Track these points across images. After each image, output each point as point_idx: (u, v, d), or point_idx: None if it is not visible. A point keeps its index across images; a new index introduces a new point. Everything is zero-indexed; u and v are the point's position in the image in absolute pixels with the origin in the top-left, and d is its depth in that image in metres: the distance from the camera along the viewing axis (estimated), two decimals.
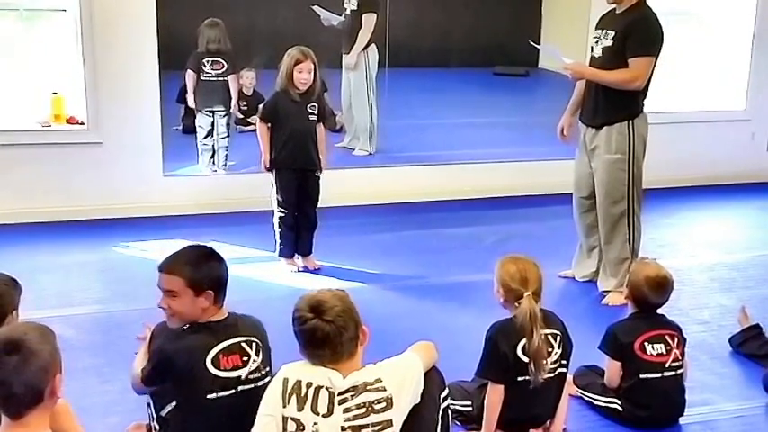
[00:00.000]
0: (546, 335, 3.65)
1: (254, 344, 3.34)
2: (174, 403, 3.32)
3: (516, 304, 3.64)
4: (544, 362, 3.61)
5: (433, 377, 3.24)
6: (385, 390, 2.97)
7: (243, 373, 3.29)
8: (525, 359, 3.61)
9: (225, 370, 3.26)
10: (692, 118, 8.35)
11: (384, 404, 2.96)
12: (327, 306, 2.96)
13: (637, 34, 5.14)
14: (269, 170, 5.70)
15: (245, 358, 3.30)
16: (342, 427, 2.93)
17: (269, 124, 5.66)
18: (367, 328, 3.06)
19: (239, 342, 3.31)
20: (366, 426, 2.94)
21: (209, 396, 3.25)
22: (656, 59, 5.20)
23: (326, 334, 2.93)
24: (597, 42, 5.30)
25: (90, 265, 5.89)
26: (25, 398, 2.34)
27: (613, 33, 5.18)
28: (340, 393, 2.93)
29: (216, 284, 3.32)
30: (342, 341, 2.95)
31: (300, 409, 2.94)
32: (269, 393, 3.02)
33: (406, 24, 9.93)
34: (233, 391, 3.27)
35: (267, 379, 3.30)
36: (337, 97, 8.37)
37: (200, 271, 3.31)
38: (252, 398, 3.25)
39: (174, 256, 3.39)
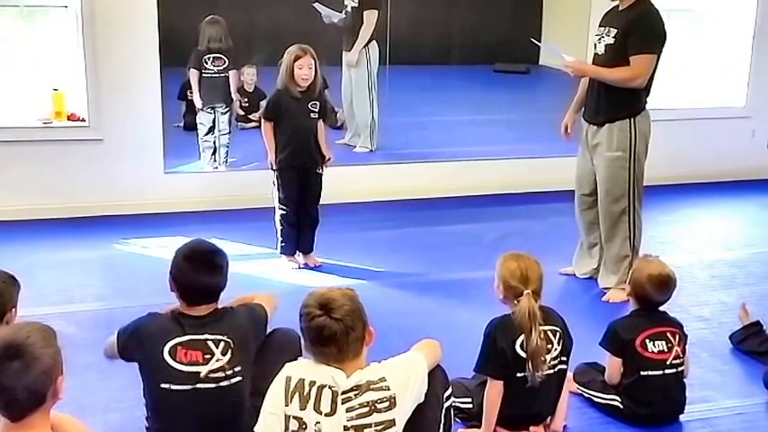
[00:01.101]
0: (545, 331, 3.65)
1: (222, 343, 3.29)
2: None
3: (515, 301, 3.65)
4: (543, 359, 3.62)
5: (437, 375, 3.24)
6: (388, 389, 2.95)
7: (202, 370, 3.26)
8: (524, 355, 3.61)
9: (181, 363, 3.25)
10: (693, 115, 8.36)
11: (387, 404, 2.94)
12: (337, 304, 2.93)
13: (639, 31, 5.13)
14: (275, 169, 5.71)
15: (208, 356, 3.27)
16: (344, 426, 2.90)
17: (272, 122, 5.66)
18: (373, 329, 3.04)
19: (205, 339, 3.29)
20: (369, 425, 2.92)
21: (162, 385, 3.26)
22: (659, 57, 5.20)
23: (334, 333, 2.90)
24: (600, 39, 5.29)
25: (91, 262, 5.89)
26: (28, 402, 2.34)
27: (616, 30, 5.17)
28: (343, 392, 2.91)
29: (180, 284, 3.34)
30: (348, 340, 2.92)
31: (303, 408, 2.91)
32: (272, 392, 3.00)
33: (406, 21, 9.93)
34: (189, 387, 3.26)
35: (235, 380, 3.30)
36: (338, 94, 8.38)
37: (173, 263, 3.37)
38: (211, 398, 3.27)
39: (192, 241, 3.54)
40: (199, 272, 3.34)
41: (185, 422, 3.31)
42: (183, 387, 3.25)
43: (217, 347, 3.29)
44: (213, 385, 3.27)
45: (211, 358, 3.27)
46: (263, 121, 5.76)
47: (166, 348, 3.25)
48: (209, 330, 3.30)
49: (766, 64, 8.46)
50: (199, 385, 3.26)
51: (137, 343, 3.33)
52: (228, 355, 3.30)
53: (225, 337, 3.31)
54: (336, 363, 2.95)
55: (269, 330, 3.63)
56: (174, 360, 3.25)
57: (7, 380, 2.31)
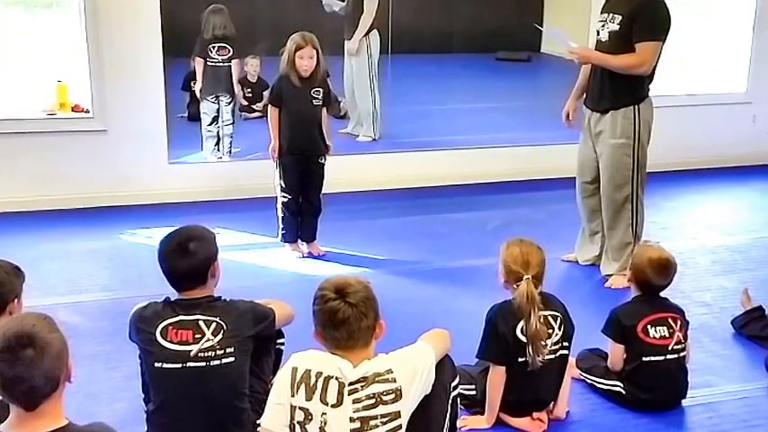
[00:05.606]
0: (545, 316, 3.68)
1: (214, 324, 3.35)
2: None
3: (515, 286, 3.68)
4: (543, 343, 3.64)
5: (445, 365, 3.26)
6: (395, 381, 2.94)
7: (193, 349, 3.31)
8: (524, 340, 3.64)
9: (172, 342, 3.31)
10: (694, 101, 8.35)
11: (393, 395, 2.94)
12: (352, 290, 2.95)
13: (644, 18, 5.11)
14: (277, 156, 5.72)
15: (198, 336, 3.33)
16: (350, 417, 2.90)
17: (279, 108, 5.67)
18: (385, 323, 3.04)
19: (196, 319, 3.35)
20: (374, 417, 2.91)
21: (156, 364, 3.33)
22: (664, 44, 5.18)
23: (347, 317, 2.91)
24: (603, 26, 5.26)
25: (96, 253, 5.91)
26: (45, 389, 2.36)
27: (620, 17, 5.15)
28: (350, 384, 2.90)
29: (162, 270, 3.42)
30: (360, 326, 2.93)
31: (309, 398, 2.91)
32: (278, 382, 3.01)
33: (408, 10, 9.93)
34: (180, 365, 3.31)
35: (226, 360, 3.34)
36: (340, 83, 8.39)
37: (157, 247, 3.47)
38: (202, 377, 3.32)
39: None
40: (174, 257, 3.40)
41: (178, 401, 3.37)
42: (174, 365, 3.32)
43: (208, 328, 3.34)
44: (203, 364, 3.32)
45: (202, 338, 3.33)
46: (269, 107, 5.76)
47: (158, 329, 3.33)
48: (201, 312, 3.37)
49: (767, 49, 8.46)
50: (189, 363, 3.31)
51: (134, 328, 3.42)
52: (220, 336, 3.34)
53: (217, 319, 3.36)
54: (345, 350, 2.95)
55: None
56: (166, 339, 3.32)
57: (25, 368, 2.33)
